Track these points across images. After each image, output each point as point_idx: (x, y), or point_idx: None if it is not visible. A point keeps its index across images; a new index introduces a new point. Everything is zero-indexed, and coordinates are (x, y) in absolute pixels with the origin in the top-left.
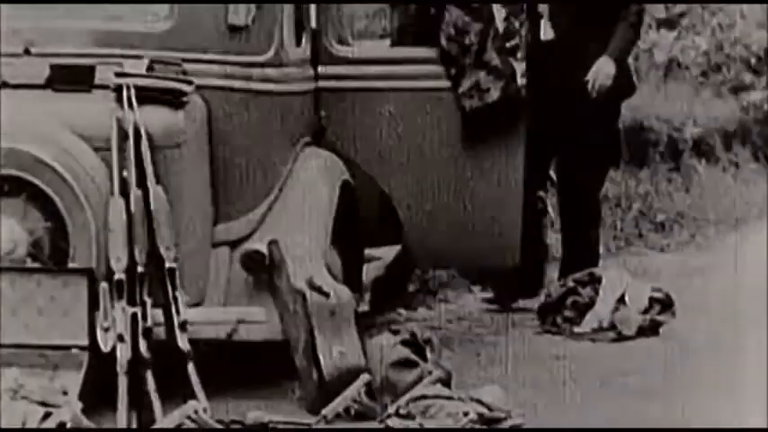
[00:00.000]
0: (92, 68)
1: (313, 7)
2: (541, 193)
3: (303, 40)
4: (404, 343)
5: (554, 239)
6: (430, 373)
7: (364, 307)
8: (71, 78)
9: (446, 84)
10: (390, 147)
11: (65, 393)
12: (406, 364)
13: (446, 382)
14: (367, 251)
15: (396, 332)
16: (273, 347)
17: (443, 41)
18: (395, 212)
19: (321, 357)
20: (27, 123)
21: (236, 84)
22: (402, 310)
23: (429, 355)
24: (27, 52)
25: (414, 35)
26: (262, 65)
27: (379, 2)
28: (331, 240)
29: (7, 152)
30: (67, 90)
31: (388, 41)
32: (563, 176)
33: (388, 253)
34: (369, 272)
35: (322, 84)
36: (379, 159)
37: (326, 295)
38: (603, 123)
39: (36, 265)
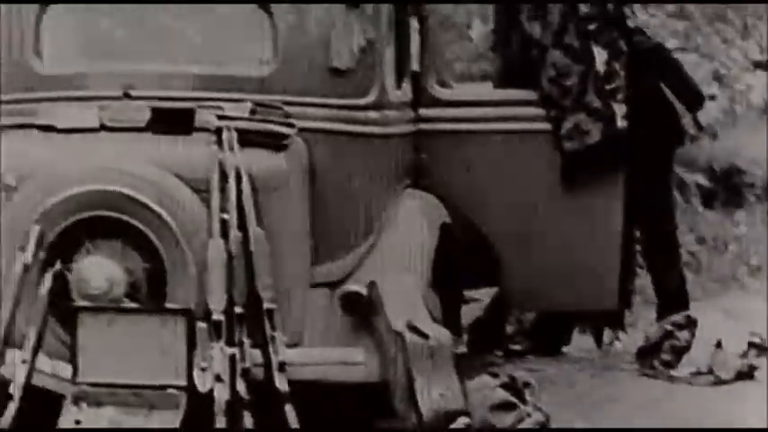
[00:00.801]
0: (192, 112)
1: (415, 50)
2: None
3: (404, 83)
4: (503, 386)
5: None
6: (529, 415)
7: (462, 349)
8: (172, 121)
9: (547, 126)
10: (490, 189)
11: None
12: (505, 406)
13: (545, 425)
14: (465, 293)
15: (495, 375)
16: (372, 389)
17: (544, 83)
18: (493, 254)
19: (420, 399)
20: (126, 166)
21: (338, 126)
22: (499, 352)
23: (528, 397)
24: (127, 95)
25: (515, 77)
26: (363, 107)
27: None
28: (430, 282)
29: (106, 194)
30: (168, 133)
31: (489, 83)
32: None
33: (486, 295)
34: (467, 314)
35: (423, 126)
36: (479, 201)
37: (426, 337)
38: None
39: (134, 305)
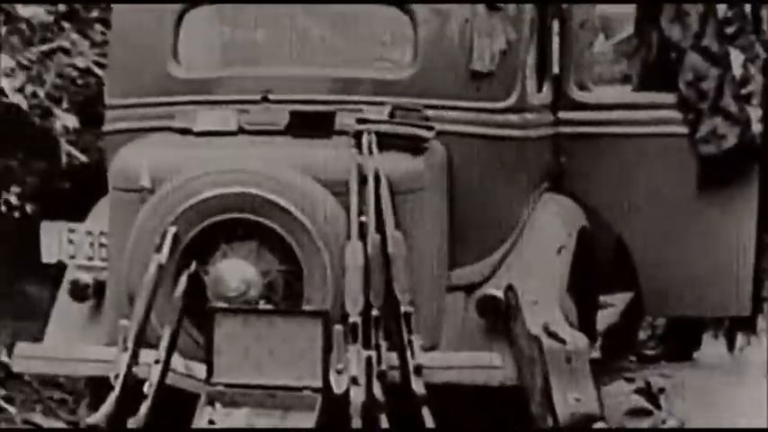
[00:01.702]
0: (332, 115)
1: (555, 53)
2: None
3: (545, 86)
4: (638, 391)
5: None
6: (664, 422)
7: (596, 354)
8: (311, 124)
9: (684, 129)
10: (627, 192)
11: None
12: (640, 412)
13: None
14: (600, 298)
15: (630, 380)
16: (508, 393)
17: (682, 87)
18: (629, 259)
19: (557, 404)
20: (264, 168)
21: (477, 129)
22: (633, 357)
23: (663, 403)
24: (265, 99)
25: (654, 80)
26: (503, 110)
27: None
28: (567, 286)
29: (243, 196)
30: (307, 136)
31: (628, 87)
32: None
33: (621, 300)
34: (602, 319)
35: (562, 129)
36: (616, 205)
37: (563, 342)
38: None
39: (270, 307)
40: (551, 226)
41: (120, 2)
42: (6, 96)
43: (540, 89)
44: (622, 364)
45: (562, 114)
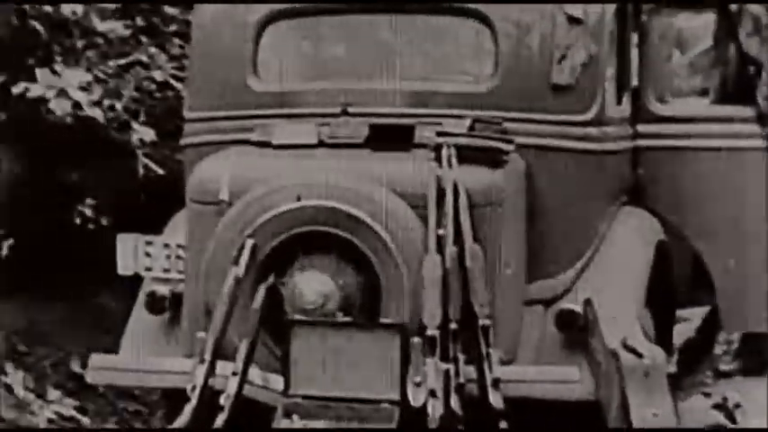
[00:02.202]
0: (412, 128)
1: (635, 65)
2: None
3: (624, 99)
4: (715, 407)
5: None
6: None
7: (672, 369)
8: (391, 138)
9: (761, 143)
10: (705, 206)
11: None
12: (717, 428)
13: None
14: (677, 312)
15: (707, 395)
16: (586, 407)
17: (760, 100)
18: (706, 273)
19: (634, 419)
20: (343, 181)
21: (557, 143)
22: (708, 373)
23: (739, 419)
24: (345, 112)
25: (732, 94)
26: (583, 124)
27: None
28: (645, 300)
29: (322, 209)
30: (386, 149)
31: (706, 99)
32: None
33: (698, 314)
34: (679, 333)
35: (641, 142)
36: (694, 218)
37: (640, 356)
38: None
39: (347, 319)
40: (629, 240)
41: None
42: (83, 110)
43: (619, 102)
44: (699, 379)
45: (641, 127)
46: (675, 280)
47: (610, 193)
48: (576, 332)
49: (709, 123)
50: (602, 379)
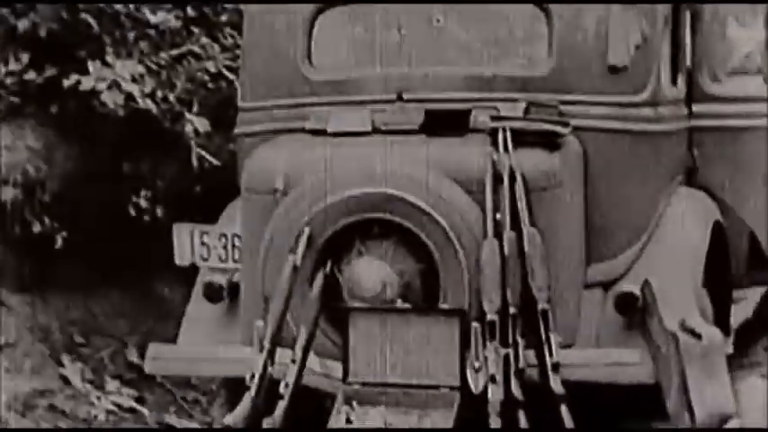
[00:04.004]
0: (468, 113)
1: (689, 45)
2: None
3: (679, 79)
4: None
5: None
6: None
7: (729, 349)
8: (446, 123)
9: None
10: (760, 186)
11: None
12: None
13: None
14: (734, 292)
15: (765, 376)
16: (646, 390)
17: None
18: (763, 253)
19: (693, 401)
20: (400, 168)
21: (612, 124)
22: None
23: None
24: (400, 98)
25: None
26: (638, 105)
27: None
28: (702, 281)
29: (379, 196)
30: (442, 135)
31: (760, 78)
32: None
33: (755, 294)
34: (737, 314)
35: (695, 122)
36: (750, 198)
37: (699, 337)
38: None
39: (407, 305)
40: (686, 220)
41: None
42: (136, 102)
43: (674, 82)
44: (757, 360)
45: (695, 107)
46: (732, 260)
47: (666, 174)
48: (636, 314)
49: (763, 103)
50: (662, 361)
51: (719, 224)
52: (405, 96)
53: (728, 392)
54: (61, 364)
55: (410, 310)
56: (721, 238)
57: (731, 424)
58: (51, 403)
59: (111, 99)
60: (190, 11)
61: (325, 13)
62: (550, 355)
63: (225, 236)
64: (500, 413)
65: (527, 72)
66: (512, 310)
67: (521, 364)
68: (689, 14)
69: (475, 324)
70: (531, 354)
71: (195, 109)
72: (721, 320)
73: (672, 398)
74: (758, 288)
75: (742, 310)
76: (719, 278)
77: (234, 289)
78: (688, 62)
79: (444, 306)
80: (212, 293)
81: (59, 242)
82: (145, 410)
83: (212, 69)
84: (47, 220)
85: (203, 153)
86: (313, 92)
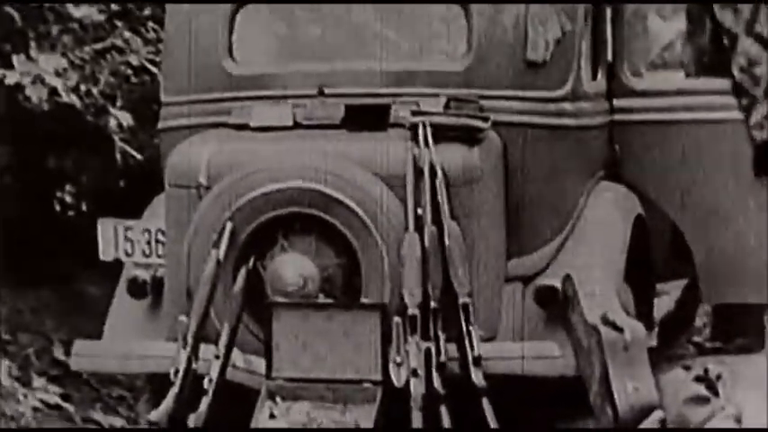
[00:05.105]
0: (387, 108)
1: (610, 40)
2: None
3: (599, 74)
4: (696, 378)
5: None
6: (722, 408)
7: (652, 342)
8: (367, 118)
9: (738, 115)
10: (682, 179)
11: (357, 427)
12: (698, 400)
13: (738, 419)
14: (657, 286)
15: (687, 368)
16: (567, 383)
17: (735, 72)
18: (685, 246)
19: (615, 393)
20: (321, 163)
21: (532, 119)
22: (689, 346)
23: (721, 391)
24: (321, 93)
25: (708, 66)
26: (558, 99)
27: None
28: (624, 275)
29: (301, 191)
30: (363, 130)
31: (681, 73)
32: None
33: (677, 287)
34: (659, 307)
35: (617, 117)
36: (671, 192)
37: (621, 330)
38: None
39: (328, 300)
40: (607, 215)
41: (173, 0)
42: (60, 96)
43: (594, 77)
44: (680, 352)
45: (616, 102)
46: (654, 254)
47: (587, 169)
48: (556, 308)
49: (684, 96)
50: (583, 354)
51: (641, 218)
52: (326, 91)
53: (651, 385)
54: None
55: (332, 304)
56: (643, 232)
57: (653, 416)
58: None
59: (36, 94)
60: (113, 5)
61: (246, 8)
62: (471, 348)
63: (149, 231)
64: (422, 407)
65: (447, 67)
66: (433, 304)
67: (442, 358)
68: (610, 9)
69: (396, 318)
70: (453, 347)
71: (119, 103)
72: (644, 313)
73: (594, 390)
74: (681, 281)
75: (665, 303)
76: (641, 272)
77: (158, 284)
78: (609, 57)
79: (366, 300)
80: (136, 289)
81: None
82: (71, 407)
83: (135, 63)
84: None
85: (127, 148)
86: (235, 87)
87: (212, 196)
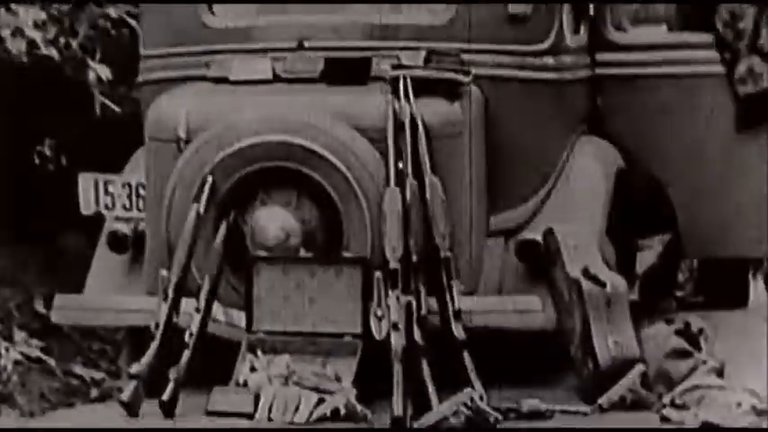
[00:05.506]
0: (368, 61)
1: None
2: None
3: (582, 27)
4: (677, 332)
5: None
6: (704, 362)
7: (634, 296)
8: (347, 72)
9: (721, 69)
10: (664, 133)
11: (338, 380)
12: (680, 354)
13: (720, 373)
14: (639, 240)
15: (669, 321)
16: (548, 336)
17: (719, 26)
18: (667, 201)
19: (597, 347)
20: (301, 116)
21: (514, 73)
22: (672, 300)
23: (703, 345)
24: (301, 46)
25: (691, 20)
26: (540, 53)
27: None
28: (605, 229)
29: (281, 145)
30: (343, 83)
31: (664, 27)
32: None
33: (659, 242)
34: (641, 261)
35: (599, 71)
36: (654, 146)
37: (602, 285)
38: None
39: (309, 254)
40: (589, 169)
41: None
42: (39, 49)
43: (576, 31)
44: (662, 307)
45: (599, 56)
46: (636, 208)
47: (569, 123)
48: (538, 262)
49: (667, 50)
50: (564, 308)
51: (623, 172)
52: (306, 44)
53: (632, 338)
54: None
55: (313, 259)
56: (625, 186)
57: (634, 370)
58: None
59: (15, 46)
60: None
61: None
62: (452, 302)
63: (129, 185)
64: (402, 360)
65: (428, 21)
66: (414, 257)
67: (423, 312)
68: None
69: (377, 272)
70: (433, 301)
71: (98, 57)
72: (626, 268)
73: (575, 344)
74: (663, 236)
75: (647, 257)
76: (623, 226)
77: (139, 238)
78: (591, 11)
79: (347, 255)
80: (117, 243)
81: None
82: (51, 361)
83: (114, 16)
84: None
85: (106, 101)
86: (214, 40)
87: (192, 150)
